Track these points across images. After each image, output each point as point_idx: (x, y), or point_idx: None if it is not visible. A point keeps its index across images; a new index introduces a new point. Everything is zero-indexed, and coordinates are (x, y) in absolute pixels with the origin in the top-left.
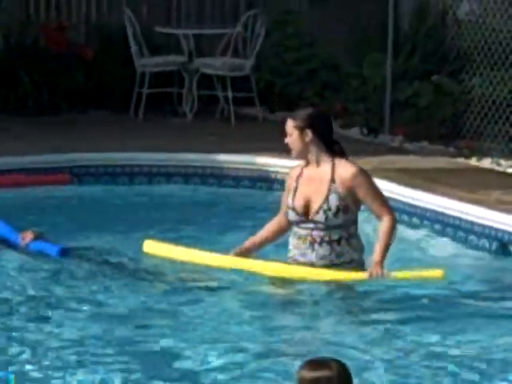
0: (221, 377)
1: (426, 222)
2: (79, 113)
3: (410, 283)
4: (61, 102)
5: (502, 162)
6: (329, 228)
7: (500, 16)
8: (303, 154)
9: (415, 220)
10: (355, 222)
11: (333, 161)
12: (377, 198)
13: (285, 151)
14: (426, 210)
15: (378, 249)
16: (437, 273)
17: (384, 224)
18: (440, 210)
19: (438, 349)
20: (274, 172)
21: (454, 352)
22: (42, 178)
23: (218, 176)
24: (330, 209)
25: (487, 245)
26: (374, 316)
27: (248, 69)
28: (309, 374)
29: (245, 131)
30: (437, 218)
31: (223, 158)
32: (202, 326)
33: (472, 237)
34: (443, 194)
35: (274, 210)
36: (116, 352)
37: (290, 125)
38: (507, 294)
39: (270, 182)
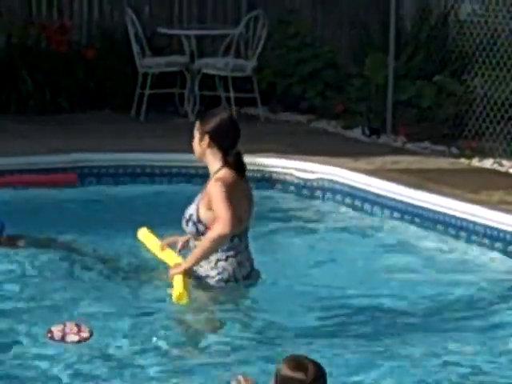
0: None
1: (427, 223)
2: (81, 113)
3: None
4: (62, 101)
5: (504, 162)
6: (197, 239)
7: (502, 16)
8: (202, 159)
9: (417, 220)
10: None
11: (218, 171)
12: (218, 208)
13: (287, 152)
14: (428, 210)
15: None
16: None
17: (208, 233)
18: (442, 210)
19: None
20: (275, 172)
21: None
22: (49, 178)
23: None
24: (193, 219)
25: (489, 245)
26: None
27: (250, 69)
28: (285, 371)
29: (247, 132)
30: (438, 218)
31: None
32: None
33: (474, 237)
34: (445, 195)
35: (275, 210)
36: None
37: (196, 126)
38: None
39: (271, 183)
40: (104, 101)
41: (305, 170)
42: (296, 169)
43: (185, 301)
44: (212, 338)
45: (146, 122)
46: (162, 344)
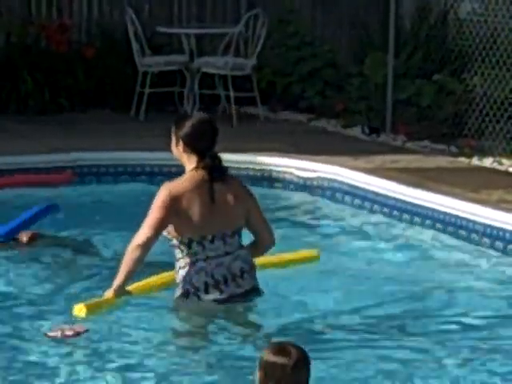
0: None
1: (427, 222)
2: (80, 112)
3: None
4: (62, 101)
5: (504, 161)
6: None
7: (501, 15)
8: (180, 161)
9: (417, 219)
10: (178, 246)
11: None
12: (147, 215)
13: (287, 151)
14: (428, 209)
15: None
16: (312, 252)
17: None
18: (442, 209)
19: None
20: (275, 171)
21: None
22: (44, 178)
23: None
24: None
25: (489, 244)
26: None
27: (249, 68)
28: (268, 357)
29: (246, 131)
30: (438, 217)
31: (225, 157)
32: None
33: (474, 236)
34: (445, 194)
35: (275, 208)
36: None
37: (171, 130)
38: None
39: (270, 182)
40: (104, 100)
41: (305, 169)
42: (296, 168)
43: (82, 315)
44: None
45: (146, 121)
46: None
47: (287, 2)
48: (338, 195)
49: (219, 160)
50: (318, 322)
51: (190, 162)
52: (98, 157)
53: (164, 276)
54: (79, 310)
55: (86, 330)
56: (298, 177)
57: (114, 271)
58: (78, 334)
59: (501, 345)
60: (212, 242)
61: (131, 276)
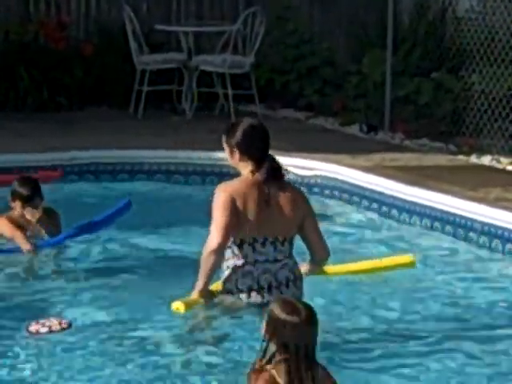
0: None
1: (425, 220)
2: (79, 110)
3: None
4: (60, 98)
5: (502, 159)
6: None
7: (499, 13)
8: (239, 170)
9: (415, 218)
10: (230, 246)
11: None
12: (211, 221)
13: (285, 149)
14: (426, 207)
15: None
16: (406, 259)
17: None
18: (440, 207)
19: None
20: None
21: None
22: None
23: (218, 173)
24: None
25: (487, 242)
26: None
27: (248, 66)
28: (278, 314)
29: None
30: (436, 215)
31: (223, 155)
32: None
33: (472, 234)
34: (443, 192)
35: None
36: None
37: (223, 140)
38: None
39: None
40: (102, 98)
41: (303, 167)
42: (294, 166)
43: (181, 311)
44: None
45: (144, 118)
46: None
47: None
48: (336, 193)
49: (277, 164)
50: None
51: (245, 168)
52: (96, 155)
53: None
54: (177, 306)
55: (70, 325)
56: (296, 175)
57: (105, 272)
58: (63, 328)
59: None
60: (263, 245)
61: (210, 280)
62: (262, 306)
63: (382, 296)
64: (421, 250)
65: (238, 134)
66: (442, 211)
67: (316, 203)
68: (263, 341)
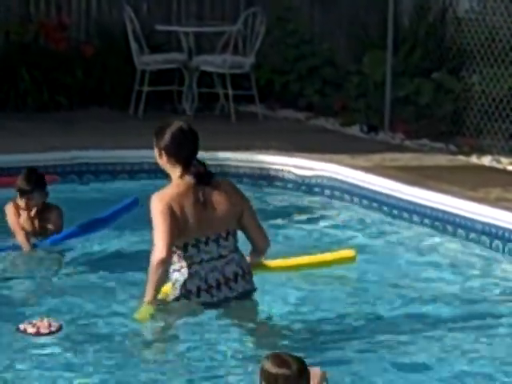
0: None
1: (426, 220)
2: (79, 110)
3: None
4: (61, 99)
5: (502, 159)
6: None
7: (500, 13)
8: (167, 172)
9: (415, 218)
10: (174, 250)
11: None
12: (154, 233)
13: (285, 149)
14: (426, 207)
15: None
16: (347, 253)
17: None
18: (440, 207)
19: None
20: (274, 169)
21: None
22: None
23: (218, 173)
24: None
25: (488, 242)
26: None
27: (248, 66)
28: (270, 368)
29: (245, 129)
30: (437, 215)
31: (223, 155)
32: None
33: (472, 234)
34: (443, 192)
35: (273, 207)
36: None
37: (154, 142)
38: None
39: (269, 180)
40: (102, 98)
41: (303, 167)
42: (294, 166)
43: (144, 321)
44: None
45: (144, 119)
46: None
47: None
48: (337, 193)
49: (204, 166)
50: (306, 321)
51: (175, 172)
52: (96, 155)
53: None
54: (139, 317)
55: (60, 327)
56: (297, 175)
57: (110, 272)
58: (51, 332)
59: None
60: (206, 244)
61: (159, 292)
62: (212, 306)
63: (386, 294)
64: (421, 250)
65: (167, 137)
66: (442, 211)
67: (316, 203)
68: None
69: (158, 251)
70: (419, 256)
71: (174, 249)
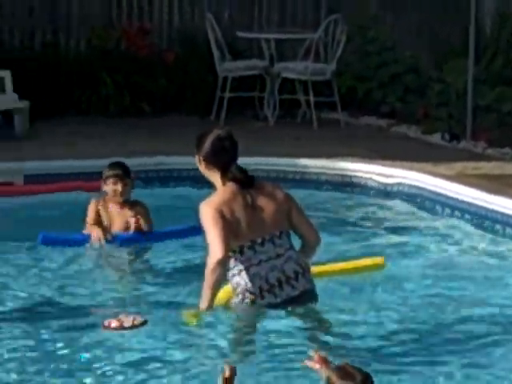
0: None
1: (508, 230)
2: (161, 115)
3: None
4: (143, 104)
5: None
6: None
7: None
8: (209, 179)
9: (498, 227)
10: (231, 255)
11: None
12: (207, 238)
13: (367, 156)
14: (509, 216)
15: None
16: (377, 261)
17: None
18: None
19: None
20: (355, 177)
21: None
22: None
23: (299, 180)
24: None
25: None
26: None
27: (329, 73)
28: (335, 381)
29: (327, 136)
30: None
31: (304, 162)
32: None
33: None
34: None
35: (355, 214)
36: None
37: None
38: None
39: (350, 187)
40: (184, 104)
41: (385, 175)
42: (376, 173)
43: (193, 322)
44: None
45: (226, 125)
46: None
47: (367, 7)
48: (419, 201)
49: (243, 172)
50: (374, 335)
51: (216, 179)
52: (178, 161)
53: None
54: (188, 319)
55: (145, 322)
56: (379, 182)
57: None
58: (135, 326)
59: None
60: (262, 244)
61: (215, 295)
62: (276, 307)
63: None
64: (503, 258)
65: (206, 144)
66: None
67: (397, 211)
68: None
69: (214, 253)
70: (499, 265)
71: (231, 253)
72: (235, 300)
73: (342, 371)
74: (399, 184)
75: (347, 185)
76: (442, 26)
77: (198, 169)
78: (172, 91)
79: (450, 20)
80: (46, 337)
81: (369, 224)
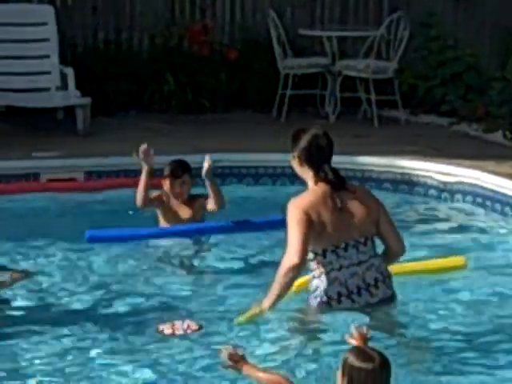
0: None
1: None
2: (222, 113)
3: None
4: (204, 101)
5: None
6: None
7: None
8: (301, 177)
9: None
10: (313, 257)
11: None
12: (288, 238)
13: (427, 154)
14: None
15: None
16: (459, 261)
17: (280, 266)
18: None
19: None
20: (415, 175)
21: None
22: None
23: (360, 178)
24: None
25: None
26: None
27: (391, 71)
28: (353, 362)
29: (387, 133)
30: None
31: (365, 160)
32: None
33: None
34: None
35: (415, 212)
36: None
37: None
38: None
39: (410, 185)
40: (245, 101)
41: (445, 173)
42: (436, 172)
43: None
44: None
45: (287, 122)
46: None
47: (429, 4)
48: (479, 200)
49: (335, 172)
50: (451, 337)
51: (308, 177)
52: (239, 158)
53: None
54: (240, 320)
55: (200, 328)
56: (439, 181)
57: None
58: (188, 331)
59: None
60: (345, 250)
61: (282, 297)
62: (352, 311)
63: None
64: None
65: (302, 142)
66: None
67: (458, 210)
68: None
69: (291, 257)
70: None
71: (313, 255)
72: (312, 302)
73: (361, 353)
74: (460, 183)
75: (407, 183)
76: (505, 22)
77: (257, 166)
78: (234, 88)
79: None
80: (102, 337)
81: (428, 223)
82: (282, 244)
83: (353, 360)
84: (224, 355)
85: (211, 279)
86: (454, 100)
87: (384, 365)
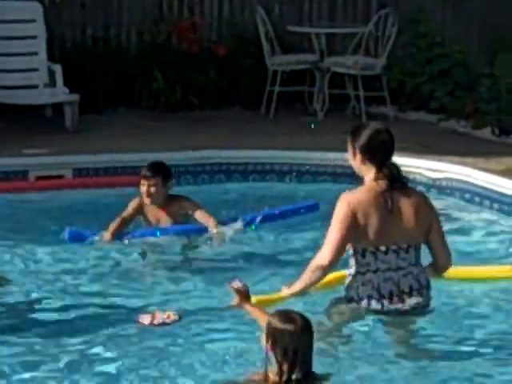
0: None
1: None
2: (211, 110)
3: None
4: (193, 98)
5: None
6: None
7: None
8: (359, 173)
9: None
10: (352, 254)
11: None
12: (328, 233)
13: (416, 151)
14: None
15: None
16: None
17: (311, 261)
18: None
19: None
20: (404, 171)
21: None
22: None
23: (350, 174)
24: None
25: None
26: None
27: (379, 68)
28: (276, 324)
29: None
30: None
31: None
32: None
33: None
34: None
35: None
36: None
37: (348, 141)
38: None
39: None
40: (234, 98)
41: (434, 170)
42: (425, 168)
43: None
44: None
45: (275, 119)
46: None
47: (418, 1)
48: (467, 196)
49: (398, 170)
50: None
51: (368, 173)
52: (228, 155)
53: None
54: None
55: (179, 318)
56: (428, 177)
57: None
58: (167, 320)
59: None
60: (386, 253)
61: (304, 292)
62: (381, 313)
63: None
64: None
65: (363, 137)
66: None
67: (447, 206)
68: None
69: (323, 256)
70: None
71: (352, 251)
72: (341, 295)
73: (284, 315)
74: (448, 179)
75: None
76: (493, 20)
77: (246, 163)
78: (222, 85)
79: (501, 13)
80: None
81: None
82: (273, 241)
83: (275, 322)
84: (233, 290)
85: (198, 275)
86: (442, 96)
87: (305, 327)
